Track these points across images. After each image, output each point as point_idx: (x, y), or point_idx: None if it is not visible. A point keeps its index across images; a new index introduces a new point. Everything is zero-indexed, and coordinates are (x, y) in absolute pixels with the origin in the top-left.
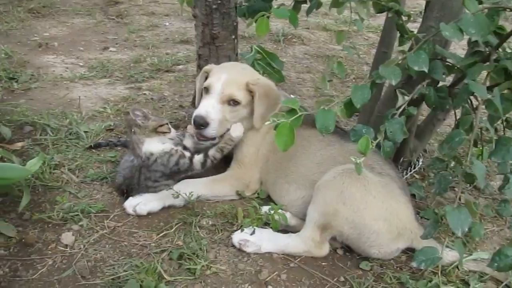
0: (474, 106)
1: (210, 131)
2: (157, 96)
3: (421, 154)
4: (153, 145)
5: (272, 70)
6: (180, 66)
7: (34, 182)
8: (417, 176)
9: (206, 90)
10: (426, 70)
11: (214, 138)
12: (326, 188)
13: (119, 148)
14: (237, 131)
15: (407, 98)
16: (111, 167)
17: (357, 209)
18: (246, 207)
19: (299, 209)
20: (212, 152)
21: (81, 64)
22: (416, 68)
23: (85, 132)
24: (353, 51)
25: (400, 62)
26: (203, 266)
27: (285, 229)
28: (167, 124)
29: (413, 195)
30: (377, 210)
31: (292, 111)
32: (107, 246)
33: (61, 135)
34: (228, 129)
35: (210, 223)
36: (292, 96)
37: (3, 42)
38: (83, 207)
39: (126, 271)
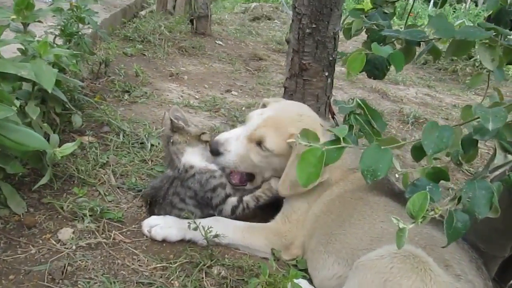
0: None
1: (225, 161)
2: None
3: None
4: (196, 158)
5: (370, 130)
6: None
7: (73, 172)
8: None
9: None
10: None
11: (244, 184)
12: (367, 269)
13: None
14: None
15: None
16: None
17: None
18: (277, 272)
19: None
20: (247, 198)
21: (197, 97)
22: None
23: (152, 145)
24: None
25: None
26: None
27: None
28: (208, 132)
29: None
30: None
31: (336, 140)
32: (99, 257)
33: (127, 141)
34: (265, 178)
35: (223, 273)
36: None
37: (141, 65)
38: (93, 206)
39: None
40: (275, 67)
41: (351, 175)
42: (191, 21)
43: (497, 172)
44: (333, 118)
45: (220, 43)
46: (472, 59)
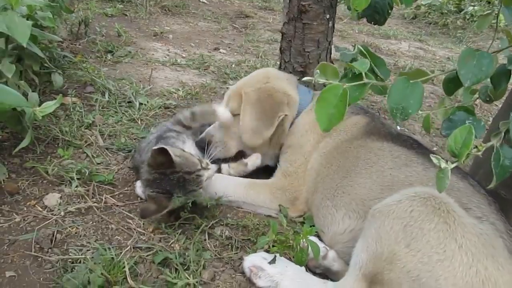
0: None
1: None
2: None
3: None
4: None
5: (374, 78)
6: None
7: (56, 134)
8: None
9: None
10: None
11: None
12: (384, 215)
13: None
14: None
15: None
16: None
17: (427, 260)
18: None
19: (346, 247)
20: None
21: (183, 55)
22: None
23: (140, 104)
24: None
25: None
26: (187, 284)
27: (325, 273)
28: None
29: None
30: (462, 270)
31: (356, 76)
32: (90, 222)
33: (114, 100)
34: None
35: (226, 234)
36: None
37: (123, 25)
38: (80, 168)
39: (90, 257)
40: (263, 24)
41: (341, 124)
42: None
43: None
44: None
45: (205, 1)
46: (462, 12)
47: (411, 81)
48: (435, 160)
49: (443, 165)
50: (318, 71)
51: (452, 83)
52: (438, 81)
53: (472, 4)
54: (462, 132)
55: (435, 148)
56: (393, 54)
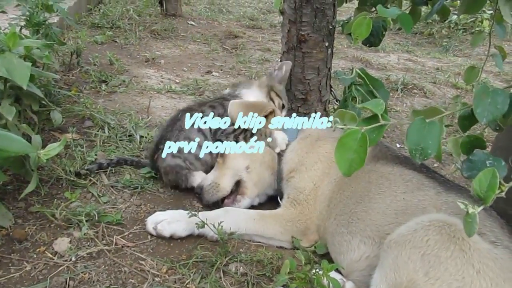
0: None
1: None
2: None
3: None
4: None
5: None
6: None
7: (60, 175)
8: None
9: None
10: None
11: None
12: (401, 246)
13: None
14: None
15: None
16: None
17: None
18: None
19: (362, 276)
20: None
21: (177, 81)
22: None
23: (141, 136)
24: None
25: None
26: None
27: None
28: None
29: None
30: None
31: (372, 118)
32: (103, 266)
33: (114, 135)
34: None
35: (241, 270)
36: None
37: (114, 53)
38: (89, 211)
39: None
40: (252, 44)
41: None
42: (160, 2)
43: None
44: (330, 92)
45: (193, 23)
46: (447, 21)
47: (427, 121)
48: (462, 206)
49: (470, 210)
50: (337, 119)
51: (467, 120)
52: (430, 93)
53: (456, 12)
54: (487, 176)
55: (435, 165)
56: (383, 68)
